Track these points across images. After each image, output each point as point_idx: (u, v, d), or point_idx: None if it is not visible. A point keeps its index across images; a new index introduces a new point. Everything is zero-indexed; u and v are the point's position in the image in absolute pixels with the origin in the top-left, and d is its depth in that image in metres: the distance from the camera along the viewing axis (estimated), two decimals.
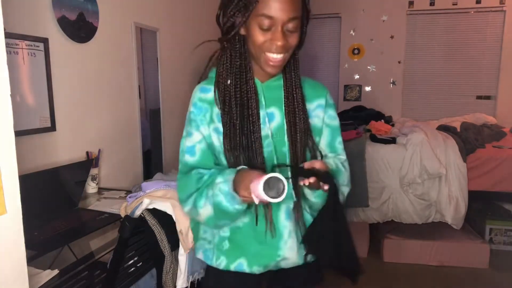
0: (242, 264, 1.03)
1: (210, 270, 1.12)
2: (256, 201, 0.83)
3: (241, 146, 0.98)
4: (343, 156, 1.10)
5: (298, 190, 1.01)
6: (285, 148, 1.01)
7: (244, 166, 0.94)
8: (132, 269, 1.54)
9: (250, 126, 0.98)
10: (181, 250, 1.50)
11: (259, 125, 0.99)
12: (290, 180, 0.94)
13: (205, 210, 0.96)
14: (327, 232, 0.93)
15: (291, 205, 1.02)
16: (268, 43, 0.92)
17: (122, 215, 1.51)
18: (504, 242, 3.03)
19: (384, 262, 2.88)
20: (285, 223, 1.02)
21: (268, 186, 0.78)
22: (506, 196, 3.08)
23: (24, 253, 0.75)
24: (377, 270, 2.79)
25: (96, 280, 1.37)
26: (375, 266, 2.84)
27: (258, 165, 0.98)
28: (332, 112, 1.10)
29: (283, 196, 0.78)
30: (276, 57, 0.93)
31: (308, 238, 0.98)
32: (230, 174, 0.91)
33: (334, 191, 0.90)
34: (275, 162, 1.00)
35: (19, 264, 0.74)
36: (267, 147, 1.00)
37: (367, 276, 2.70)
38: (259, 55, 0.95)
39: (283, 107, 1.02)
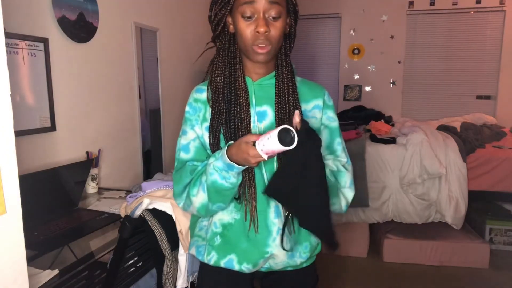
0: (232, 260, 1.04)
1: (203, 268, 1.14)
2: (265, 157, 0.86)
3: (228, 141, 0.99)
4: (344, 158, 1.08)
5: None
6: None
7: (232, 142, 0.95)
8: (132, 269, 1.54)
9: (238, 123, 1.00)
10: (181, 250, 1.50)
11: (249, 122, 1.00)
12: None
13: (198, 198, 0.99)
14: (294, 184, 0.90)
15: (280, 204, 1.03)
16: (253, 35, 0.94)
17: (122, 215, 1.51)
18: (504, 242, 3.03)
19: (384, 262, 2.88)
20: (274, 221, 1.02)
21: (281, 138, 0.82)
22: (506, 196, 3.07)
23: (24, 253, 0.75)
24: (377, 270, 2.79)
25: (96, 280, 1.37)
26: (375, 266, 2.84)
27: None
28: (331, 113, 1.09)
29: (295, 144, 0.82)
30: (261, 45, 0.95)
31: (274, 182, 0.94)
32: (221, 151, 0.94)
33: (305, 141, 0.85)
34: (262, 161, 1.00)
35: (19, 264, 0.74)
36: None
37: (367, 276, 2.71)
38: (248, 48, 0.97)
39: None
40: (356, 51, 4.51)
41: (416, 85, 4.44)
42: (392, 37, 4.39)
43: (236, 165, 0.91)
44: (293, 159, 0.89)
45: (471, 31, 4.21)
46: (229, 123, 1.00)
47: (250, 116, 1.01)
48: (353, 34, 4.50)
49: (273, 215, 1.03)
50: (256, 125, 1.02)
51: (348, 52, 4.54)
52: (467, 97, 4.32)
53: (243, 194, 1.01)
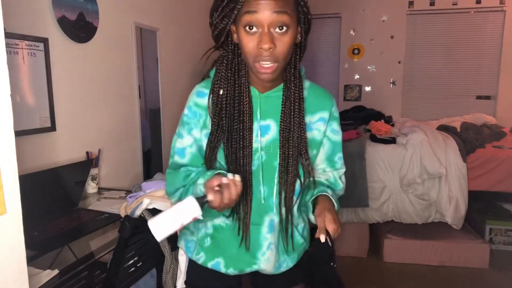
0: (219, 263, 1.04)
1: (191, 264, 1.13)
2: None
3: (229, 159, 0.96)
4: (343, 169, 1.08)
5: (287, 208, 1.01)
6: (277, 162, 0.98)
7: (222, 171, 0.92)
8: (132, 269, 1.54)
9: (240, 141, 0.95)
10: (181, 250, 1.50)
11: (251, 139, 0.96)
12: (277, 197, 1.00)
13: None
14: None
15: (275, 219, 1.02)
16: (256, 50, 0.86)
17: (122, 215, 1.51)
18: (504, 242, 3.03)
19: (384, 262, 2.88)
20: (266, 236, 1.02)
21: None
22: (506, 196, 3.07)
23: (24, 253, 0.75)
24: (377, 270, 2.79)
25: (96, 280, 1.37)
26: (375, 266, 2.84)
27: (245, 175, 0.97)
28: (336, 126, 1.05)
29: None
30: (265, 65, 0.87)
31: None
32: (209, 176, 0.91)
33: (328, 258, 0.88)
34: (261, 176, 0.99)
35: (19, 264, 0.74)
36: (257, 160, 0.98)
37: (367, 276, 2.71)
38: (251, 64, 0.89)
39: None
40: (356, 51, 4.51)
41: (416, 85, 4.44)
42: (392, 37, 4.39)
43: None
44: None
45: (471, 31, 4.21)
46: (231, 141, 0.95)
47: (252, 133, 0.97)
48: (353, 34, 4.50)
49: (266, 229, 1.01)
50: (258, 139, 0.98)
51: (348, 52, 4.54)
52: (467, 97, 4.32)
53: (236, 212, 0.99)
